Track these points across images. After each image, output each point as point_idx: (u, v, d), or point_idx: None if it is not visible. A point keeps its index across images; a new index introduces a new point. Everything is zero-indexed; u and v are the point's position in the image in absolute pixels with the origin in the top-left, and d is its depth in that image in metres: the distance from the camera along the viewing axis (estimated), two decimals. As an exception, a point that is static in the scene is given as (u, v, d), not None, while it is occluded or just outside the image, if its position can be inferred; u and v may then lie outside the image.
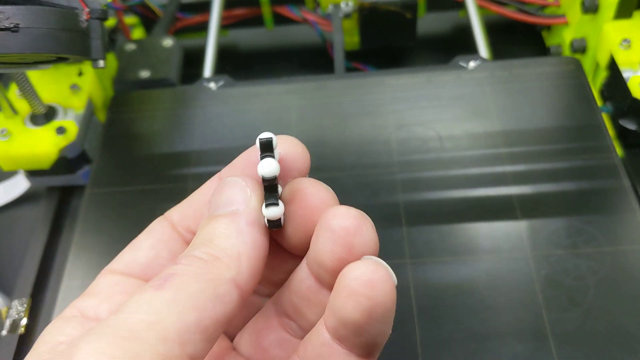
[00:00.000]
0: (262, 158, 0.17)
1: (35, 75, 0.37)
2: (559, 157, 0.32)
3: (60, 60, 0.25)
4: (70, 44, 0.23)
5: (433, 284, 0.28)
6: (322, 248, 0.17)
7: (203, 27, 0.45)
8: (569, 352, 0.25)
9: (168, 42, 0.41)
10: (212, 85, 0.37)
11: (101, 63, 0.25)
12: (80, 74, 0.37)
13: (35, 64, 0.25)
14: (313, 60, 0.49)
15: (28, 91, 0.34)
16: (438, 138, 0.33)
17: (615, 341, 0.25)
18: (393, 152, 0.33)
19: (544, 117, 0.33)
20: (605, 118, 0.37)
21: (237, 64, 0.50)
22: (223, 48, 0.50)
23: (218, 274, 0.15)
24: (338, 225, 0.17)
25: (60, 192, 0.38)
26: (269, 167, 0.17)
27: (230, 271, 0.16)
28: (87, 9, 0.23)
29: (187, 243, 0.19)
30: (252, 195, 0.17)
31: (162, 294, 0.15)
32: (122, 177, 0.34)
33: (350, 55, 0.46)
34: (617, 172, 0.31)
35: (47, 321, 0.30)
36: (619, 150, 0.35)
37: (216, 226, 0.16)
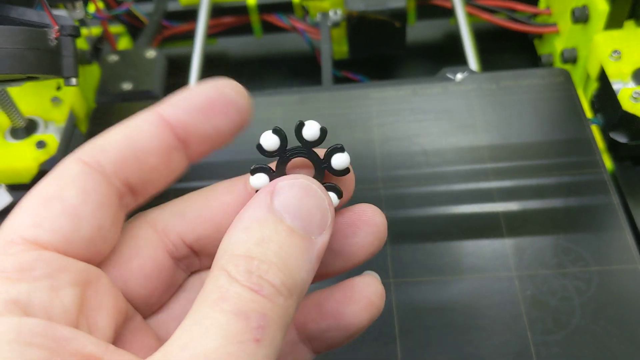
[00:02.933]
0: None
1: (15, 89, 0.37)
2: (546, 172, 0.31)
3: (31, 78, 0.24)
4: (39, 64, 0.22)
5: (416, 304, 0.27)
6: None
7: (190, 36, 0.44)
8: (554, 377, 0.25)
9: (151, 53, 0.40)
10: (195, 97, 0.37)
11: (73, 81, 0.25)
12: (58, 88, 0.36)
13: (6, 82, 0.25)
14: (302, 68, 0.48)
15: (7, 105, 0.34)
16: (423, 153, 0.33)
17: (601, 365, 0.25)
18: (377, 167, 0.32)
19: (531, 131, 0.33)
20: (596, 130, 0.36)
21: (225, 72, 0.48)
22: (211, 56, 0.49)
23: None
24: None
25: (42, 206, 0.38)
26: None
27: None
28: (56, 27, 0.23)
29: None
30: (330, 224, 0.16)
31: (260, 349, 0.13)
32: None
33: (339, 64, 0.46)
34: (606, 188, 0.30)
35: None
36: (608, 164, 0.35)
37: (293, 250, 0.15)
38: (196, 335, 0.13)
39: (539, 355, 0.25)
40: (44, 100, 0.37)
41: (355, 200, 0.31)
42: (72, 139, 0.37)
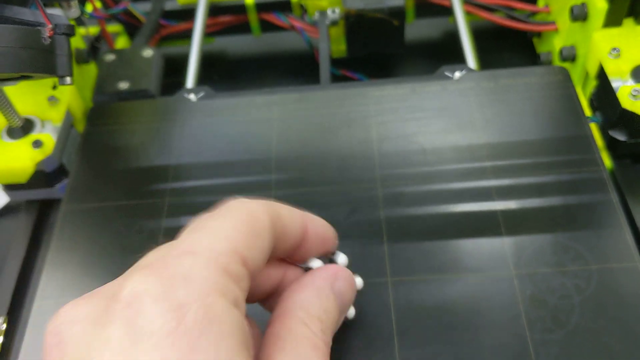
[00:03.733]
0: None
1: (11, 88, 0.37)
2: (545, 170, 0.31)
3: (24, 77, 0.24)
4: (32, 62, 0.22)
5: (415, 303, 0.27)
6: None
7: (188, 35, 0.44)
8: (553, 376, 0.24)
9: (148, 52, 0.40)
10: (192, 96, 0.37)
11: (68, 80, 0.25)
12: (54, 87, 0.36)
13: (0, 81, 0.25)
14: (301, 67, 0.48)
15: (4, 104, 0.33)
16: (422, 151, 0.32)
17: (600, 364, 0.25)
18: (375, 166, 0.32)
19: (530, 129, 0.33)
20: (595, 128, 0.36)
21: (223, 71, 0.49)
22: (209, 55, 0.49)
23: None
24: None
25: (39, 205, 0.38)
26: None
27: None
28: (50, 26, 0.23)
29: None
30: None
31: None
32: (99, 192, 0.33)
33: (338, 63, 0.46)
34: (605, 186, 0.30)
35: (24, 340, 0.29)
36: (607, 162, 0.35)
37: (339, 323, 0.23)
38: None
39: (538, 355, 0.25)
40: (41, 100, 0.37)
41: (354, 200, 0.31)
42: (69, 139, 0.37)
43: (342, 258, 0.26)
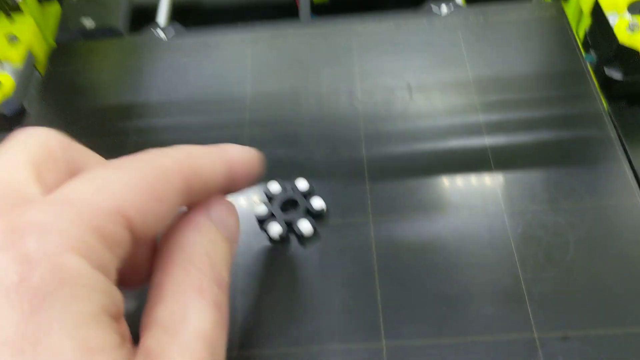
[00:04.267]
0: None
1: (-34, 24, 0.34)
2: (537, 105, 0.29)
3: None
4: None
5: (398, 243, 0.25)
6: None
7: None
8: (546, 315, 0.23)
9: (116, -11, 0.38)
10: (162, 34, 0.34)
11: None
12: (8, 14, 0.33)
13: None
14: (280, 16, 0.46)
15: (-44, 40, 0.31)
16: (407, 88, 0.30)
17: (596, 302, 0.23)
18: (357, 103, 0.30)
19: (522, 64, 0.31)
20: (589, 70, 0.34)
21: (199, 18, 0.46)
22: (183, 3, 0.47)
23: None
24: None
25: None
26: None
27: None
28: None
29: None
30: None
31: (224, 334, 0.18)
32: (60, 131, 0.30)
33: (319, 9, 0.43)
34: (601, 120, 0.28)
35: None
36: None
37: (228, 254, 0.20)
38: (192, 318, 0.17)
39: (530, 294, 0.23)
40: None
41: (334, 138, 0.29)
42: (30, 82, 0.35)
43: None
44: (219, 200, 0.20)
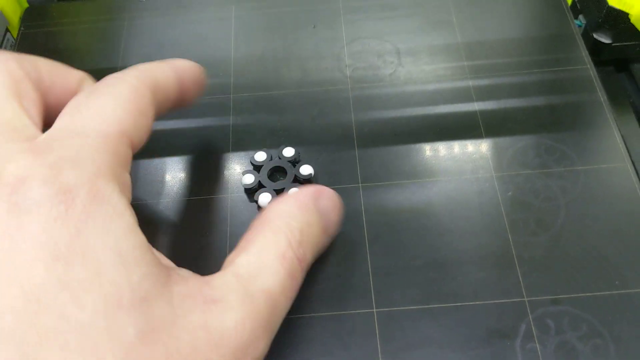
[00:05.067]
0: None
1: None
2: (526, 69, 0.28)
3: None
4: None
5: (387, 209, 0.25)
6: None
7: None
8: (537, 280, 0.23)
9: (91, -52, 0.36)
10: (141, -5, 0.33)
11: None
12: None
13: None
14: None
15: None
16: (395, 51, 0.30)
17: (587, 266, 0.23)
18: (344, 67, 0.29)
19: (511, 27, 0.30)
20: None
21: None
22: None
23: None
24: None
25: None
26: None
27: None
28: None
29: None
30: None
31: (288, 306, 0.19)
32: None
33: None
34: (592, 84, 0.28)
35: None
36: (591, 67, 0.32)
37: (321, 242, 0.21)
38: (265, 276, 0.18)
39: (520, 258, 0.23)
40: (-33, -1, 0.32)
41: (321, 102, 0.28)
42: (2, 44, 0.33)
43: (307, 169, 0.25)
44: (329, 192, 0.22)
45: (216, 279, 0.17)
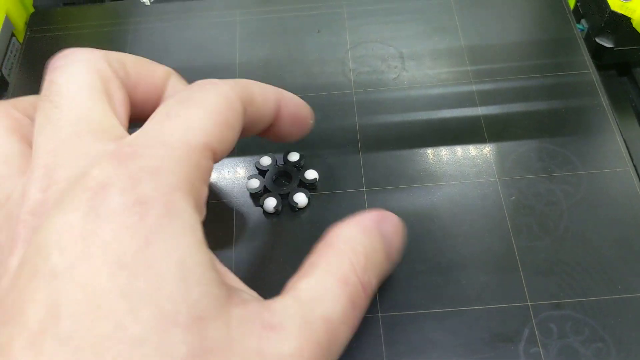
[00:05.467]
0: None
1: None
2: (529, 74, 0.29)
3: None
4: None
5: (393, 211, 0.25)
6: None
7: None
8: (540, 284, 0.23)
9: (96, -48, 0.36)
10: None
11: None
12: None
13: None
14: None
15: None
16: (399, 56, 0.30)
17: (589, 270, 0.23)
18: (348, 71, 0.29)
19: (513, 31, 0.30)
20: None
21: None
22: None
23: None
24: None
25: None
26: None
27: None
28: None
29: None
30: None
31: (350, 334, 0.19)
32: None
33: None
34: (594, 89, 0.28)
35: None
36: (594, 71, 0.33)
37: (385, 268, 0.21)
38: (326, 302, 0.17)
39: (524, 262, 0.23)
40: (-26, 3, 0.33)
41: (326, 106, 0.28)
42: (9, 49, 0.34)
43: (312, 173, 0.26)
44: (392, 216, 0.21)
45: (277, 303, 0.17)
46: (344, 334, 0.18)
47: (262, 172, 0.26)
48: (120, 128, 0.18)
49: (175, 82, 0.22)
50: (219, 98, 0.18)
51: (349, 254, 0.19)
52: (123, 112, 0.19)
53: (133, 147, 0.16)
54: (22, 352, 0.14)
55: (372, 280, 0.19)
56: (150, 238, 0.15)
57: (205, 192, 0.17)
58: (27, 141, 0.19)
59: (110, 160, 0.16)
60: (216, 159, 0.18)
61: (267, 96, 0.21)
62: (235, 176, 0.26)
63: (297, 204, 0.25)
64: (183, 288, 0.15)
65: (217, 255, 0.24)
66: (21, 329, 0.14)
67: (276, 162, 0.26)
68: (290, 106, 0.22)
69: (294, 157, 0.26)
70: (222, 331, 0.15)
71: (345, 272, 0.18)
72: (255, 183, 0.25)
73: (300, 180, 0.25)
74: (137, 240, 0.15)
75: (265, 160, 0.26)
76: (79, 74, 0.19)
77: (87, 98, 0.18)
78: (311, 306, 0.17)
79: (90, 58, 0.19)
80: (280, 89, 0.22)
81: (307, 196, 0.25)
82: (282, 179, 0.26)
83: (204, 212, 0.17)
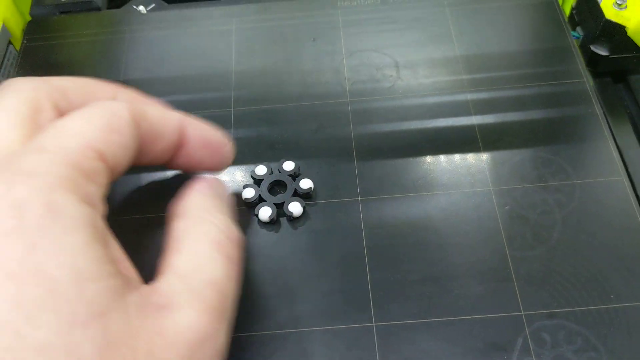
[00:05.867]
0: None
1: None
2: (524, 83, 0.29)
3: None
4: None
5: (386, 222, 0.25)
6: None
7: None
8: (534, 293, 0.23)
9: (93, -40, 0.36)
10: (142, 8, 0.33)
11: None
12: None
13: None
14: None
15: None
16: (394, 64, 0.30)
17: (582, 280, 0.23)
18: (344, 80, 0.30)
19: (508, 40, 0.30)
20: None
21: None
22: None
23: None
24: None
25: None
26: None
27: None
28: None
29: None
30: None
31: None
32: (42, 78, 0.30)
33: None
34: (588, 98, 0.28)
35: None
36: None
37: None
38: (205, 267, 0.18)
39: (517, 272, 0.23)
40: (-29, 12, 0.33)
41: (321, 115, 0.29)
42: (5, 57, 0.34)
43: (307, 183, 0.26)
44: (209, 178, 0.22)
45: (162, 283, 0.18)
46: (231, 290, 0.19)
47: (257, 181, 0.26)
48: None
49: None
50: (101, 109, 0.19)
51: (207, 217, 0.20)
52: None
53: (8, 156, 0.17)
54: None
55: (234, 228, 0.20)
56: (36, 241, 0.15)
57: (93, 191, 0.17)
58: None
59: None
60: (109, 162, 0.18)
61: (165, 114, 0.21)
62: (231, 185, 0.26)
63: (292, 213, 0.25)
64: (77, 287, 0.15)
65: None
66: None
67: (271, 172, 0.26)
68: (198, 130, 0.22)
69: (289, 166, 0.26)
70: (123, 322, 0.15)
71: (213, 233, 0.19)
72: (250, 192, 0.26)
73: (295, 189, 0.26)
74: (21, 245, 0.14)
75: (261, 170, 0.26)
76: (9, 102, 0.19)
77: (6, 123, 0.18)
78: (194, 276, 0.18)
79: (27, 87, 0.19)
80: (185, 116, 0.22)
81: (302, 205, 0.25)
82: (277, 189, 0.26)
83: (102, 206, 0.17)
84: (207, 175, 0.22)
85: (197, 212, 0.20)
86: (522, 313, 0.23)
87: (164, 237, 0.20)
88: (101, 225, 0.17)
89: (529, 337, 0.22)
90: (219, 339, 0.18)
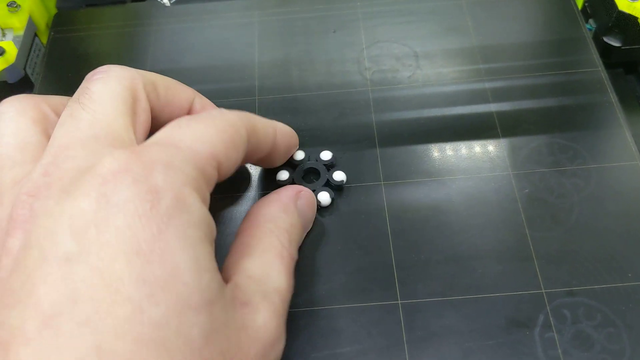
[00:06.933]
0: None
1: (-34, -10, 0.34)
2: (540, 71, 0.30)
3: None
4: None
5: (409, 205, 0.26)
6: None
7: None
8: (553, 272, 0.24)
9: (117, -45, 0.37)
10: (166, 1, 0.34)
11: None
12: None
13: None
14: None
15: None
16: (413, 55, 0.31)
17: (600, 259, 0.24)
18: (364, 70, 0.30)
19: (524, 31, 0.31)
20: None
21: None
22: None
23: None
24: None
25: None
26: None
27: None
28: None
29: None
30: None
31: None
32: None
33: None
34: (603, 86, 0.29)
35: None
36: (601, 69, 0.34)
37: (301, 237, 0.25)
38: (273, 276, 0.20)
39: (537, 252, 0.24)
40: (0, 6, 0.34)
41: (343, 103, 0.29)
42: (32, 49, 0.35)
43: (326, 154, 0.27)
44: (306, 192, 0.24)
45: (240, 282, 0.19)
46: (289, 299, 0.21)
47: (293, 165, 0.27)
48: (134, 143, 0.19)
49: (197, 103, 0.24)
50: (226, 122, 0.20)
51: (275, 232, 0.21)
52: (142, 133, 0.21)
53: (145, 146, 0.18)
54: (38, 333, 0.14)
55: (295, 250, 0.22)
56: (162, 227, 0.16)
57: (208, 197, 0.18)
58: (49, 135, 0.20)
59: (123, 152, 0.17)
60: (221, 173, 0.19)
61: (267, 130, 0.23)
62: (263, 170, 0.27)
63: (320, 202, 0.26)
64: (195, 274, 0.16)
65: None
66: (33, 311, 0.15)
67: (309, 158, 0.27)
68: (285, 138, 0.24)
69: (326, 155, 0.27)
70: (223, 312, 0.17)
71: (278, 247, 0.21)
72: (284, 175, 0.26)
73: (328, 179, 0.26)
74: (150, 228, 0.15)
75: (299, 155, 0.27)
76: (114, 87, 0.20)
77: (114, 109, 0.19)
78: (264, 282, 0.20)
79: (128, 76, 0.21)
80: (275, 122, 0.24)
81: (331, 197, 0.26)
82: (310, 176, 0.27)
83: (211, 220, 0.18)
84: (300, 188, 0.25)
85: (268, 224, 0.22)
86: (543, 291, 0.23)
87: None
88: (213, 227, 0.18)
89: (549, 313, 0.23)
90: (283, 343, 0.19)
